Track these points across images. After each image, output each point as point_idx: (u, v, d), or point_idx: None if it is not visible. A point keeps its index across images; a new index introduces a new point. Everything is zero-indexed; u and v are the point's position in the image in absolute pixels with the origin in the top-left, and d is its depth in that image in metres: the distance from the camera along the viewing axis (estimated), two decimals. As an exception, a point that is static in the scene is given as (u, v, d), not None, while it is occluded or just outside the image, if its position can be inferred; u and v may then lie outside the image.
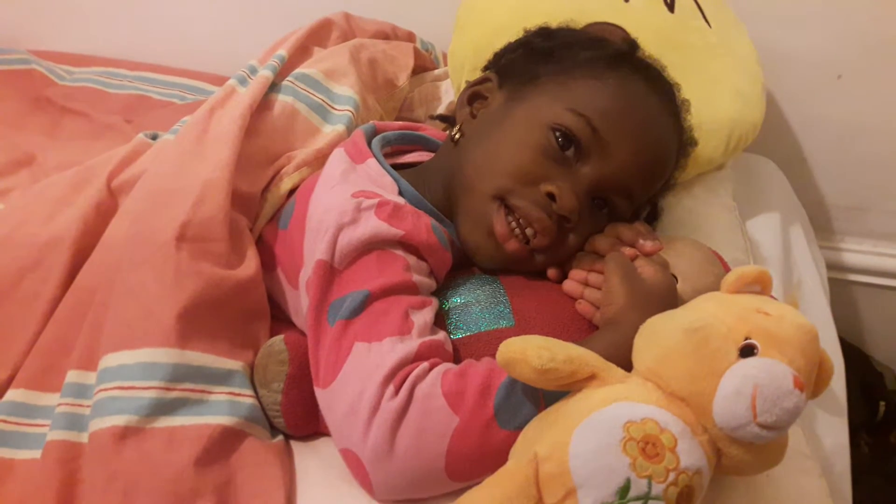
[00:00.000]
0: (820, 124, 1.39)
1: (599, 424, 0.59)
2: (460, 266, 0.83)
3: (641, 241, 0.78)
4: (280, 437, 0.77)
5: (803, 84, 1.35)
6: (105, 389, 0.71)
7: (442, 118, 1.04)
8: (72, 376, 0.75)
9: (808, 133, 1.41)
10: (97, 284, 0.79)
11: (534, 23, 0.94)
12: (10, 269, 0.83)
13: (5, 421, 0.75)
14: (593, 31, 0.93)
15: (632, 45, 0.89)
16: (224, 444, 0.71)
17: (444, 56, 1.26)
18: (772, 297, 0.68)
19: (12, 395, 0.77)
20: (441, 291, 0.80)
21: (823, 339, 0.64)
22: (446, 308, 0.79)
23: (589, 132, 0.78)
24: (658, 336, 0.63)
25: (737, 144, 1.09)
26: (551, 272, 0.83)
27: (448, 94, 1.18)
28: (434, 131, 0.98)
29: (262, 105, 0.94)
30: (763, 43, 1.15)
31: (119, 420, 0.69)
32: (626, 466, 0.57)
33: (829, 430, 1.01)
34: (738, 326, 0.61)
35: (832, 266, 1.45)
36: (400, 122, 0.98)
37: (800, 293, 1.12)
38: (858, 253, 1.52)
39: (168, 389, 0.71)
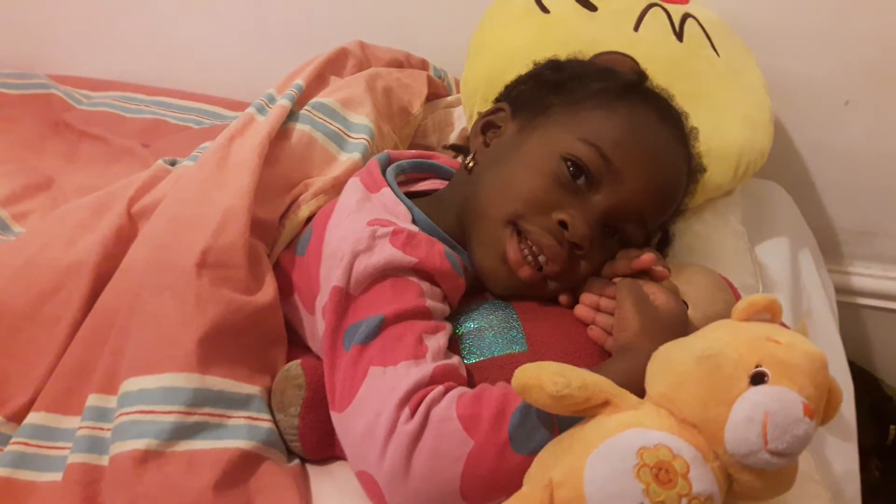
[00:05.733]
0: (828, 149, 1.39)
1: (613, 450, 0.60)
2: (473, 292, 0.84)
3: (652, 267, 0.79)
4: (296, 461, 0.78)
5: (811, 110, 1.36)
6: (126, 413, 0.72)
7: (454, 147, 1.05)
8: (92, 399, 0.76)
9: (816, 158, 1.41)
10: (117, 308, 0.80)
11: (545, 52, 0.95)
12: (31, 292, 0.84)
13: (27, 444, 0.76)
14: (602, 62, 0.95)
15: (640, 76, 0.91)
16: (242, 467, 0.72)
17: (457, 82, 1.27)
18: (782, 324, 0.69)
19: (34, 417, 0.78)
20: (454, 317, 0.80)
21: (832, 364, 0.64)
22: (459, 333, 0.79)
23: (600, 161, 0.79)
24: (670, 363, 0.64)
25: (745, 171, 1.10)
26: (563, 298, 0.83)
27: (460, 121, 1.19)
28: (447, 159, 0.99)
29: (281, 134, 0.95)
30: (771, 70, 1.17)
31: (140, 444, 0.70)
32: (639, 492, 0.57)
33: (839, 455, 1.01)
34: (749, 354, 0.61)
35: (841, 290, 1.44)
36: (414, 151, 0.99)
37: (810, 321, 1.12)
38: (867, 277, 1.51)
39: (188, 414, 0.72)
